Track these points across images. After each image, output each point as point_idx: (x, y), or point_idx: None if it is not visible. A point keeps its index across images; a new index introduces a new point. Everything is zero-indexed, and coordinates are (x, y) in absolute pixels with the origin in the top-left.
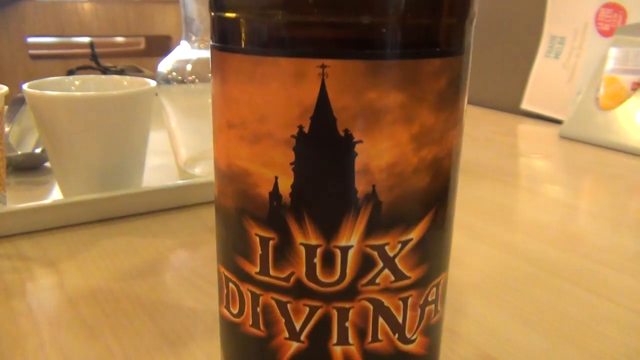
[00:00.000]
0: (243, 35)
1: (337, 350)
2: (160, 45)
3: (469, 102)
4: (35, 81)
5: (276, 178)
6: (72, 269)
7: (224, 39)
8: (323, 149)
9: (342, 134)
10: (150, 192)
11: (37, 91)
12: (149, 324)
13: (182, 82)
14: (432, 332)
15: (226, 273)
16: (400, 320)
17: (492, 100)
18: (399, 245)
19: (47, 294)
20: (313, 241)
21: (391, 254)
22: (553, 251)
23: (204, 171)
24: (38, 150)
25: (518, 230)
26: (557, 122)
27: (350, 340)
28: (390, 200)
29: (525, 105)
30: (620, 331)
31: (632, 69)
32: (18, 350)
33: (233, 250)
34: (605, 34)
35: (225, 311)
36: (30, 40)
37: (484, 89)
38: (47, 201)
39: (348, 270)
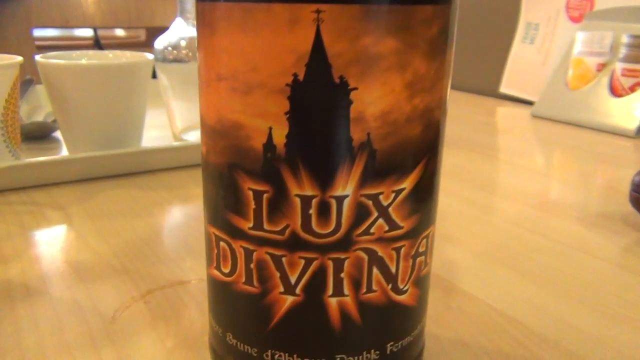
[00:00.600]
0: None
1: (333, 302)
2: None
3: (451, 87)
4: (47, 53)
5: (270, 129)
6: (80, 212)
7: None
8: (318, 96)
9: (337, 80)
10: (149, 152)
11: (49, 60)
12: (146, 250)
13: (177, 57)
14: (421, 283)
15: (216, 232)
16: (393, 270)
17: (472, 84)
18: (393, 195)
19: (58, 229)
20: (308, 192)
21: (385, 203)
22: (530, 211)
23: (198, 138)
24: (48, 121)
25: (498, 195)
26: (532, 103)
27: (346, 291)
28: (384, 149)
29: (503, 88)
30: (588, 274)
31: (597, 51)
32: (34, 267)
33: (224, 207)
34: (575, 20)
35: (216, 272)
36: (36, 33)
37: (465, 74)
38: (57, 156)
39: (343, 220)
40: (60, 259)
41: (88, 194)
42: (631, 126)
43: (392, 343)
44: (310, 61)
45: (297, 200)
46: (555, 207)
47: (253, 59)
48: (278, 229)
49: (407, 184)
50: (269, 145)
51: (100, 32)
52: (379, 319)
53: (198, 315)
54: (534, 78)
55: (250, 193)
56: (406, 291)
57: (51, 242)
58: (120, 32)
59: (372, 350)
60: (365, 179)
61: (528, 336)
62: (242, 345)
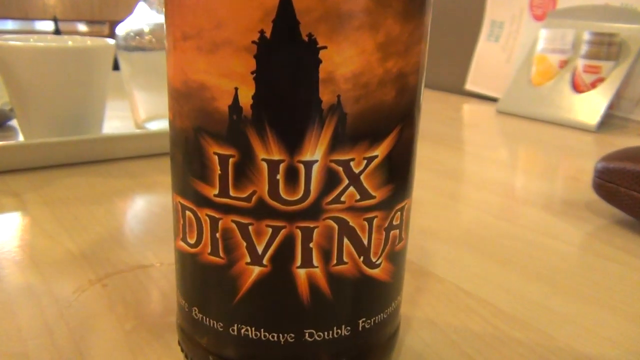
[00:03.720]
0: None
1: (301, 273)
2: None
3: None
4: (3, 36)
5: (236, 89)
6: (36, 198)
7: None
8: (286, 55)
9: (305, 38)
10: (109, 139)
11: (3, 42)
12: (105, 235)
13: (140, 44)
14: (396, 258)
15: (182, 201)
16: (365, 242)
17: (438, 82)
18: (365, 162)
19: (12, 216)
20: (276, 156)
21: (356, 171)
22: (497, 199)
23: (160, 127)
24: (6, 109)
25: (466, 184)
26: (497, 100)
27: (315, 262)
28: (355, 113)
29: (469, 86)
30: (554, 257)
31: (559, 48)
32: None
33: (190, 174)
34: (539, 18)
35: (182, 243)
36: None
37: (431, 71)
38: (11, 142)
39: (312, 187)
40: (14, 244)
41: (45, 182)
42: (592, 121)
43: (364, 319)
44: (277, 17)
45: (264, 165)
46: (522, 195)
47: (218, 15)
48: (244, 195)
49: (380, 151)
50: (235, 106)
51: (62, 27)
52: (351, 293)
53: (159, 298)
54: (498, 75)
55: (216, 158)
56: (379, 265)
57: (4, 228)
58: (83, 27)
59: (343, 326)
60: (335, 144)
61: (497, 315)
62: (207, 319)
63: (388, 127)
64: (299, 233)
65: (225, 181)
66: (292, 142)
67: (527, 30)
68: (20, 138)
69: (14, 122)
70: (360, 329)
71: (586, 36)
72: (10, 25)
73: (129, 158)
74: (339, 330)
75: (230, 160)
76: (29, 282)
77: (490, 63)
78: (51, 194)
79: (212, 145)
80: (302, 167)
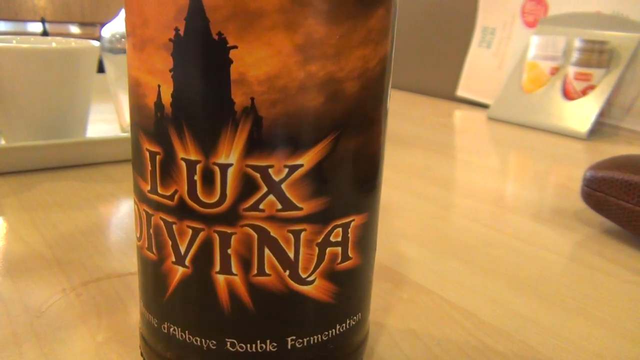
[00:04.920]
0: None
1: (221, 279)
2: None
3: (408, 90)
4: None
5: (159, 87)
6: (13, 202)
7: None
8: (197, 53)
9: (215, 37)
10: (90, 143)
11: None
12: (83, 242)
13: (125, 46)
14: (339, 278)
15: (134, 196)
16: (291, 255)
17: (430, 87)
18: (286, 170)
19: None
20: (193, 156)
21: (276, 179)
22: (485, 207)
23: None
24: None
25: (454, 192)
26: (488, 106)
27: (234, 269)
28: (272, 117)
29: (460, 92)
30: (541, 267)
31: (550, 55)
32: None
33: (134, 169)
34: (530, 24)
35: (135, 236)
36: None
37: (422, 77)
38: None
39: (228, 191)
40: None
41: (24, 186)
42: (583, 129)
43: (293, 338)
44: (188, 14)
45: (183, 165)
46: (510, 203)
47: (145, 13)
48: (168, 193)
49: (305, 160)
50: (159, 104)
51: (53, 28)
52: (275, 307)
53: (134, 308)
54: (490, 82)
55: (147, 154)
56: (312, 282)
57: None
58: (74, 28)
59: (268, 341)
60: (251, 149)
61: (480, 327)
62: (147, 313)
63: (316, 136)
64: (217, 237)
65: (154, 178)
66: (208, 143)
67: (519, 36)
68: (2, 140)
69: None
70: (289, 346)
71: (577, 44)
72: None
73: (111, 162)
74: (263, 345)
75: (157, 157)
76: None
77: (481, 69)
78: (31, 198)
79: (145, 141)
80: (217, 170)
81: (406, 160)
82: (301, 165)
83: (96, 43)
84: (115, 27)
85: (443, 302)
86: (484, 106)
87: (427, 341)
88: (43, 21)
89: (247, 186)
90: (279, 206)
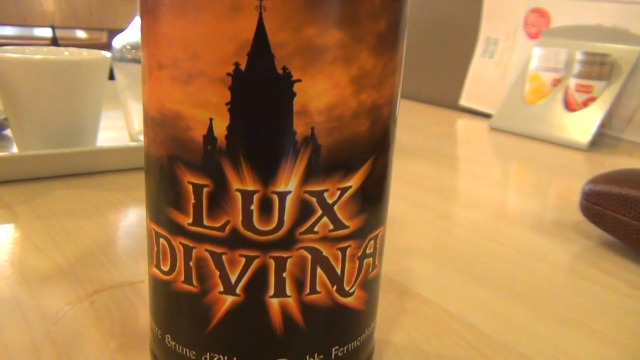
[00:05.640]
0: None
1: (274, 302)
2: None
3: (412, 98)
4: (1, 47)
5: (211, 120)
6: (27, 210)
7: None
8: (260, 87)
9: (280, 71)
10: (101, 151)
11: (0, 54)
12: (95, 250)
13: (135, 56)
14: (369, 286)
15: (156, 228)
16: (338, 271)
17: (433, 96)
18: (338, 192)
19: (2, 228)
20: (250, 187)
21: (330, 201)
22: (486, 218)
23: None
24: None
25: (456, 202)
26: (491, 116)
27: (288, 291)
28: (329, 144)
29: (463, 101)
30: (539, 279)
31: (552, 67)
32: None
33: (164, 202)
34: (533, 36)
35: (156, 270)
36: None
37: (426, 86)
38: (5, 153)
39: (286, 217)
40: (3, 257)
41: (37, 193)
42: (584, 140)
43: (337, 347)
44: (252, 50)
45: (238, 195)
46: (511, 215)
47: (194, 46)
48: (218, 225)
49: (354, 182)
50: (210, 137)
51: (61, 33)
52: (323, 321)
53: (145, 315)
54: (493, 91)
55: (190, 187)
56: (352, 293)
57: None
58: (81, 34)
59: (316, 354)
60: (309, 175)
61: (480, 339)
62: (180, 347)
63: (362, 158)
64: (272, 263)
65: (200, 210)
66: (266, 173)
67: (522, 47)
68: (14, 147)
69: (8, 132)
70: (333, 356)
71: (578, 56)
72: (9, 31)
73: (121, 170)
74: (312, 359)
75: (205, 189)
76: (17, 297)
77: (484, 79)
78: (43, 206)
79: (187, 174)
80: (275, 198)
81: (408, 170)
82: (350, 187)
83: (107, 54)
84: (126, 37)
85: (444, 313)
86: (486, 116)
87: (428, 352)
88: (53, 27)
89: (304, 211)
90: (331, 227)
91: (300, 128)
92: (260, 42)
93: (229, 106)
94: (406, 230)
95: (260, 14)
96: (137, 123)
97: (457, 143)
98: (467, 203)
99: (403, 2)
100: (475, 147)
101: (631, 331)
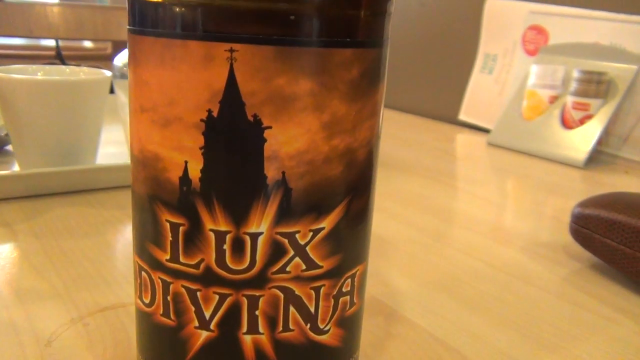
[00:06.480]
0: (155, 18)
1: (247, 339)
2: None
3: (411, 112)
4: (2, 67)
5: (186, 162)
6: (26, 229)
7: (138, 22)
8: (232, 133)
9: (250, 119)
10: (100, 169)
11: (2, 74)
12: (91, 271)
13: None
14: (347, 323)
15: (139, 262)
16: (312, 310)
17: (432, 111)
18: (310, 234)
19: (1, 247)
20: (222, 227)
21: (302, 242)
22: (479, 239)
23: None
24: (0, 134)
25: (449, 222)
26: (489, 131)
27: (261, 329)
28: (300, 188)
29: (462, 116)
30: (526, 303)
31: (549, 84)
32: None
33: (145, 237)
34: (531, 52)
35: (139, 301)
36: None
37: (425, 101)
38: (5, 172)
39: (258, 258)
40: (1, 278)
41: (37, 211)
42: (580, 157)
43: None
44: (224, 98)
45: (212, 235)
46: (503, 235)
47: (171, 92)
48: (193, 262)
49: (327, 223)
50: (185, 178)
51: (66, 44)
52: (297, 359)
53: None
54: (491, 107)
55: (168, 225)
56: (327, 331)
57: None
58: (87, 44)
59: None
60: (280, 218)
61: None
62: None
63: (335, 200)
64: (245, 301)
65: (176, 248)
66: (239, 215)
67: (520, 64)
68: (15, 163)
69: (9, 147)
70: None
71: (576, 74)
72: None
73: (119, 187)
74: None
75: (181, 228)
76: (12, 319)
77: (483, 95)
78: (42, 225)
79: (165, 213)
80: (247, 239)
81: (403, 188)
82: (323, 228)
83: (108, 73)
84: (126, 56)
85: (430, 339)
86: (485, 130)
87: None
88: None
89: (276, 251)
90: (304, 267)
91: (271, 172)
92: (232, 91)
93: (203, 150)
94: (398, 251)
95: (232, 65)
96: None
97: (454, 159)
98: (461, 223)
99: (378, 50)
100: (472, 163)
101: (612, 356)
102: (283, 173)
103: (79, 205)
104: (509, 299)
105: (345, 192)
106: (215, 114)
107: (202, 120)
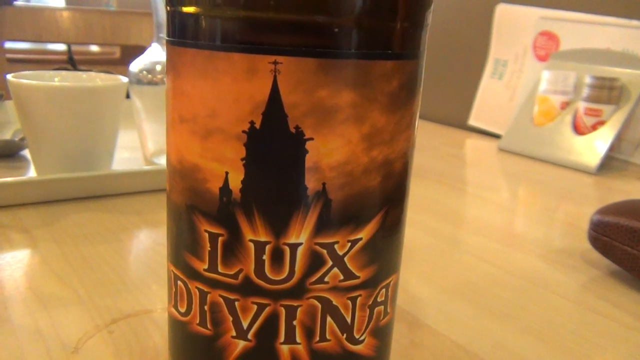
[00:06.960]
0: (197, 30)
1: (284, 349)
2: (135, 55)
3: (422, 118)
4: (19, 73)
5: (226, 173)
6: (45, 235)
7: (179, 33)
8: (274, 145)
9: (293, 130)
10: (117, 175)
11: (21, 80)
12: (112, 276)
13: (151, 81)
14: (381, 333)
15: (175, 271)
16: (348, 320)
17: (443, 116)
18: (349, 244)
19: (22, 253)
20: (262, 237)
21: (340, 253)
22: (494, 245)
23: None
24: (16, 139)
25: (464, 228)
26: (499, 137)
27: (298, 339)
28: (340, 199)
29: (472, 121)
30: (547, 310)
31: (561, 90)
32: None
33: (182, 247)
34: (542, 58)
35: (173, 310)
36: (8, 45)
37: (436, 106)
38: (23, 177)
39: (297, 268)
40: (23, 284)
41: (55, 217)
42: (592, 163)
43: None
44: (266, 110)
45: (251, 245)
46: (519, 241)
47: (212, 104)
48: (232, 272)
49: (364, 234)
50: (225, 189)
51: (75, 48)
52: None
53: (163, 346)
54: (501, 112)
55: (206, 235)
56: (362, 341)
57: (14, 266)
58: (95, 48)
59: None
60: (320, 228)
61: None
62: None
63: (373, 211)
64: (283, 311)
65: (215, 258)
66: (278, 226)
67: (531, 69)
68: (32, 168)
69: (25, 152)
70: None
71: (588, 80)
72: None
73: (135, 193)
74: None
75: (220, 238)
76: (37, 326)
77: (493, 100)
78: (60, 230)
79: (204, 223)
80: (287, 249)
81: (418, 193)
82: (361, 239)
83: (124, 79)
84: (143, 61)
85: (453, 346)
86: (495, 136)
87: None
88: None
89: (315, 262)
90: (341, 277)
91: (311, 183)
92: (274, 103)
93: (244, 161)
94: (415, 257)
95: (275, 77)
96: (152, 144)
97: (465, 165)
98: (476, 229)
99: (416, 61)
100: (484, 169)
101: None
102: (323, 184)
103: (95, 210)
104: (529, 306)
105: (382, 203)
106: (257, 125)
107: (244, 131)
